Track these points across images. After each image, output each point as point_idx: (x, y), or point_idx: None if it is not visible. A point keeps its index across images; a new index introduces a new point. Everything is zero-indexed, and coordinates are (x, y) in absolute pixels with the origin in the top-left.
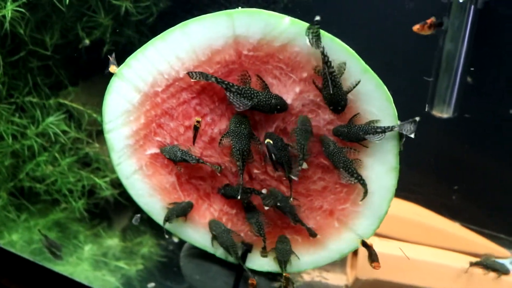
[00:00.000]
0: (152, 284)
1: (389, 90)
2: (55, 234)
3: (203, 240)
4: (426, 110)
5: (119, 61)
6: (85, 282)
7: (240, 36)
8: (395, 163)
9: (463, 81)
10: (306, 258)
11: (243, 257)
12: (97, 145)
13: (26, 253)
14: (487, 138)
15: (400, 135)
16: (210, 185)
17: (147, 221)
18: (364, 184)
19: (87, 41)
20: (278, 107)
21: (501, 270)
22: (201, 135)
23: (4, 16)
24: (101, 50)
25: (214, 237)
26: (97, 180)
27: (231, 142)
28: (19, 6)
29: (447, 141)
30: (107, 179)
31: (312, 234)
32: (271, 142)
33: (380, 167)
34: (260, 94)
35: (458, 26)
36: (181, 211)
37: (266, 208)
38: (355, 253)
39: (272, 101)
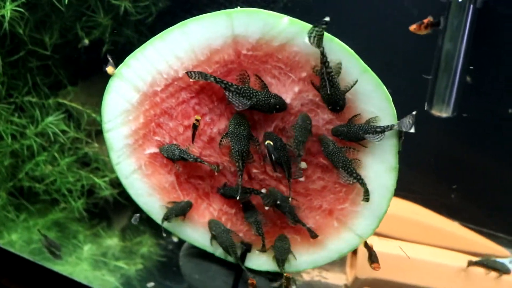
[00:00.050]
0: (152, 284)
1: (388, 89)
2: (54, 234)
3: (203, 240)
4: (425, 109)
5: (119, 61)
6: (85, 282)
7: (239, 36)
8: (395, 162)
9: (462, 80)
10: (306, 258)
11: (242, 257)
12: (96, 144)
13: (26, 253)
14: (487, 138)
15: (399, 135)
16: (210, 185)
17: (147, 220)
18: (363, 184)
19: (86, 41)
20: (277, 106)
21: (501, 270)
22: (200, 135)
23: (3, 16)
24: (101, 50)
25: (214, 237)
26: (96, 180)
27: (230, 143)
28: (18, 6)
29: (446, 141)
30: (107, 178)
31: (312, 235)
32: (271, 143)
33: (380, 167)
34: (259, 93)
35: (457, 26)
36: (180, 211)
37: (266, 208)
38: (354, 252)
39: (271, 100)
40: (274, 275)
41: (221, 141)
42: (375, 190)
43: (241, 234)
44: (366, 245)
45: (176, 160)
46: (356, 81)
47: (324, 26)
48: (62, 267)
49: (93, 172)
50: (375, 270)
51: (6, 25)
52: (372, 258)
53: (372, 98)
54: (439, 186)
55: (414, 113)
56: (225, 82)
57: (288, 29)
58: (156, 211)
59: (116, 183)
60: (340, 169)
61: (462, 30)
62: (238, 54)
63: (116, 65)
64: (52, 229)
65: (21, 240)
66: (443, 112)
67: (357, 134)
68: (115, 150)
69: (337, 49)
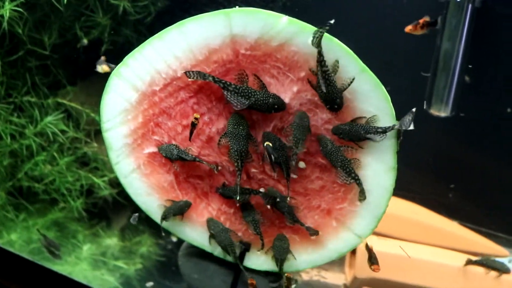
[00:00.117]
0: (151, 283)
1: (387, 88)
2: (53, 234)
3: (201, 239)
4: (424, 108)
5: (118, 60)
6: (84, 282)
7: (237, 36)
8: (393, 162)
9: (461, 80)
10: (304, 257)
11: (241, 256)
12: (95, 144)
13: (25, 253)
14: (485, 137)
15: (398, 135)
16: (208, 184)
17: (146, 220)
18: (360, 184)
19: (85, 41)
20: (276, 106)
21: (501, 269)
22: (199, 134)
23: (2, 16)
24: (99, 50)
25: (212, 236)
26: (95, 179)
27: (229, 143)
28: (17, 5)
29: (444, 140)
30: (106, 178)
31: (312, 232)
32: (270, 144)
33: (378, 167)
34: (258, 93)
35: (455, 25)
36: (178, 210)
37: (269, 206)
38: (353, 252)
39: (270, 100)
40: (273, 274)
41: (219, 140)
42: (374, 190)
43: (240, 234)
44: (366, 247)
45: (174, 160)
46: (353, 79)
47: (327, 27)
48: (61, 267)
49: (92, 171)
50: (374, 271)
51: (5, 25)
52: (372, 260)
53: (370, 97)
54: (437, 186)
55: (413, 110)
56: (223, 81)
57: (287, 29)
58: (155, 210)
59: (115, 183)
60: (339, 168)
61: (461, 29)
62: (237, 54)
63: (115, 64)
64: (51, 229)
65: (21, 239)
66: (441, 111)
67: (358, 133)
68: (114, 149)
69: (336, 49)
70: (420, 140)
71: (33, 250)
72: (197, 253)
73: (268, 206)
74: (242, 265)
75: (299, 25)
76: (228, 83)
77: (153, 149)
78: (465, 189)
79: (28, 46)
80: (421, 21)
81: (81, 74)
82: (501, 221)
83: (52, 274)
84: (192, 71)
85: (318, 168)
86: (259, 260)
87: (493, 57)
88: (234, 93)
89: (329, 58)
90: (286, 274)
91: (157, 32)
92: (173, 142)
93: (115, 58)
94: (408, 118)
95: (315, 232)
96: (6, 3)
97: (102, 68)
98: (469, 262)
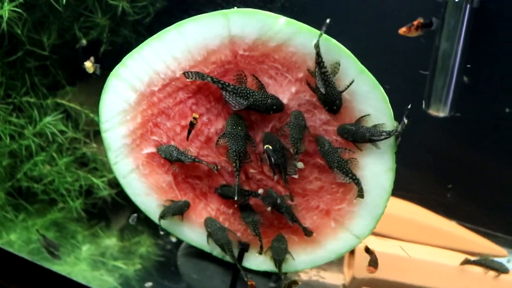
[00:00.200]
0: (150, 284)
1: (385, 88)
2: (53, 234)
3: (200, 239)
4: (423, 108)
5: (116, 61)
6: (83, 282)
7: (235, 36)
8: (392, 163)
9: (459, 80)
10: (303, 258)
11: (240, 257)
12: (94, 145)
13: (24, 253)
14: (484, 137)
15: (396, 136)
16: (207, 185)
17: (145, 220)
18: (358, 183)
19: (84, 41)
20: (274, 107)
21: (500, 270)
22: (197, 135)
23: (1, 16)
24: (98, 50)
25: (209, 235)
26: (94, 180)
27: (228, 143)
28: (16, 6)
29: (443, 140)
30: (105, 179)
31: (307, 233)
32: (270, 147)
33: (377, 167)
34: (256, 93)
35: (453, 25)
36: (177, 210)
37: (269, 209)
38: (352, 252)
39: (268, 101)
40: (271, 274)
41: (218, 141)
42: (372, 191)
43: (239, 234)
44: (367, 250)
45: (174, 161)
46: (353, 81)
47: (325, 28)
48: (60, 267)
49: (91, 172)
50: (369, 272)
51: (4, 25)
52: (371, 262)
53: (369, 98)
54: (435, 186)
55: (408, 107)
56: (222, 82)
57: (285, 30)
58: (154, 210)
59: (114, 183)
60: (335, 169)
61: (459, 29)
62: (235, 55)
63: (114, 65)
64: (50, 229)
65: (20, 240)
66: (440, 111)
67: (363, 136)
68: (112, 150)
69: (334, 50)
70: (418, 140)
71: (32, 250)
72: (196, 253)
73: (268, 209)
74: (240, 264)
75: (297, 26)
76: (227, 83)
77: (151, 149)
78: (463, 189)
79: (27, 47)
80: (415, 22)
81: (80, 75)
82: (500, 221)
83: (51, 275)
84: (191, 72)
85: (316, 168)
86: (257, 261)
87: (491, 57)
88: (232, 94)
89: (327, 59)
90: (292, 279)
91: (156, 33)
92: (172, 143)
93: (114, 58)
94: (405, 118)
95: (310, 233)
96: (5, 3)
97: (87, 67)
98: (466, 261)
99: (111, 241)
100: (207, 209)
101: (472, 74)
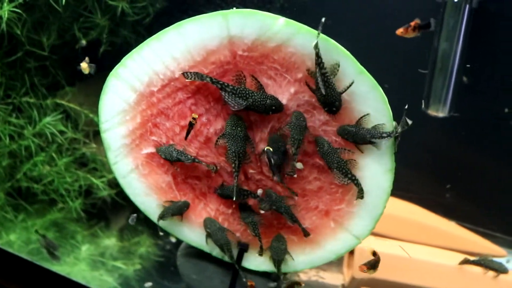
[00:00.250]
0: (150, 284)
1: (384, 86)
2: (52, 234)
3: (200, 240)
4: (423, 107)
5: (116, 61)
6: (83, 282)
7: (235, 37)
8: (391, 164)
9: (459, 80)
10: (302, 258)
11: (239, 257)
12: (94, 145)
13: (24, 253)
14: (483, 137)
15: (395, 136)
16: (206, 185)
17: (144, 221)
18: (358, 184)
19: (83, 42)
20: (273, 107)
21: (499, 270)
22: (196, 135)
23: (1, 17)
24: (98, 51)
25: (209, 235)
26: (94, 180)
27: (227, 144)
28: (15, 6)
29: (442, 140)
30: (104, 179)
31: (305, 233)
32: (271, 149)
33: (376, 168)
34: (255, 94)
35: (453, 26)
36: (177, 210)
37: (262, 212)
38: (351, 252)
39: (267, 101)
40: (271, 275)
41: (217, 141)
42: (372, 191)
43: (238, 234)
44: (374, 254)
45: (173, 162)
46: (352, 82)
47: (321, 28)
48: (60, 267)
49: (91, 172)
50: (360, 270)
51: (4, 26)
52: (370, 265)
53: (368, 99)
54: (435, 186)
55: (406, 107)
56: (221, 82)
57: (284, 30)
58: (153, 211)
59: (114, 184)
60: (335, 169)
61: (458, 30)
62: (234, 55)
63: (114, 65)
64: (50, 229)
65: (20, 240)
66: (439, 112)
67: (363, 137)
68: (112, 150)
69: (333, 50)
70: (417, 140)
71: (32, 250)
72: (196, 253)
73: (262, 212)
74: (240, 265)
75: (296, 27)
76: (226, 84)
77: (151, 149)
78: (463, 189)
79: (26, 47)
80: (412, 23)
81: (79, 75)
82: (499, 221)
83: (51, 275)
84: (190, 72)
85: (316, 169)
86: (257, 261)
87: (490, 57)
88: (231, 94)
89: (326, 60)
90: (294, 280)
91: (155, 33)
92: (171, 143)
93: (114, 59)
94: (404, 118)
95: (307, 234)
96: (5, 4)
97: (83, 68)
98: (465, 261)
99: (110, 241)
100: (206, 209)
101: (471, 74)
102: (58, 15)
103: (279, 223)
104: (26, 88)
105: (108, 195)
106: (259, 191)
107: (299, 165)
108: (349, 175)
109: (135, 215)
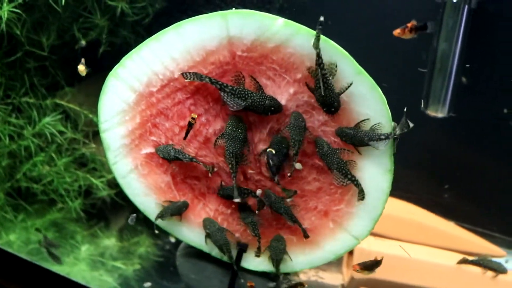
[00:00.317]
0: (149, 284)
1: (382, 87)
2: (52, 234)
3: (199, 240)
4: (422, 107)
5: (115, 61)
6: (83, 282)
7: (234, 37)
8: (390, 165)
9: (458, 80)
10: (302, 258)
11: (238, 257)
12: (93, 145)
13: (24, 253)
14: (482, 138)
15: (394, 137)
16: (205, 185)
17: (144, 221)
18: (358, 185)
19: (83, 42)
20: (272, 108)
21: (498, 270)
22: (196, 135)
23: (0, 17)
24: (97, 51)
25: (208, 235)
26: (93, 180)
27: (225, 144)
28: (15, 7)
29: (440, 140)
30: (104, 179)
31: (305, 235)
32: (273, 151)
33: (375, 169)
34: (254, 94)
35: (452, 26)
36: (176, 210)
37: (257, 212)
38: (350, 252)
39: (266, 102)
40: (270, 275)
41: (216, 141)
42: (371, 192)
43: (237, 235)
44: (376, 259)
45: (171, 160)
46: (351, 83)
47: (320, 27)
48: (60, 268)
49: (91, 172)
50: (352, 268)
51: (3, 26)
52: (365, 266)
53: (366, 100)
54: (434, 186)
55: (405, 109)
56: (220, 83)
57: (283, 31)
58: (153, 211)
59: (113, 184)
60: (335, 170)
61: (457, 30)
62: (233, 56)
63: (113, 65)
64: (50, 230)
65: (19, 240)
66: (438, 112)
67: (362, 139)
68: (111, 149)
69: (332, 51)
70: (416, 141)
71: (31, 250)
72: (195, 253)
73: (257, 212)
74: (239, 265)
75: (295, 27)
76: (225, 84)
77: (150, 149)
78: (462, 189)
79: (26, 47)
80: (409, 24)
81: (79, 75)
82: (498, 221)
83: (51, 275)
84: (189, 72)
85: (315, 169)
86: (256, 261)
87: (490, 57)
88: (230, 95)
89: (326, 60)
90: (298, 281)
91: (154, 34)
92: (171, 143)
93: (113, 59)
94: (404, 119)
95: (307, 235)
96: (4, 4)
97: (80, 70)
98: (464, 260)
99: (110, 241)
100: (205, 209)
101: (470, 75)
102: (58, 16)
103: (278, 223)
104: (25, 88)
105: (108, 195)
106: (258, 192)
107: (298, 166)
108: (349, 176)
109: (134, 215)
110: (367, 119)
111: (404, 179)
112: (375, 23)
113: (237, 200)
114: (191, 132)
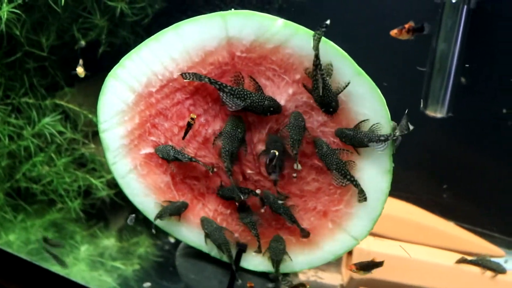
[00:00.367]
0: (148, 284)
1: (382, 86)
2: (51, 235)
3: (198, 240)
4: (421, 106)
5: (115, 62)
6: (82, 282)
7: (233, 38)
8: (389, 165)
9: (457, 81)
10: (301, 259)
11: (238, 257)
12: (93, 145)
13: (23, 253)
14: (481, 138)
15: (394, 139)
16: (205, 185)
17: (143, 221)
18: (357, 185)
19: (82, 42)
20: (271, 108)
21: (497, 270)
22: (195, 136)
23: (0, 18)
24: (97, 51)
25: (207, 235)
26: (93, 180)
27: (222, 142)
28: (15, 7)
29: (441, 140)
30: (103, 179)
31: (303, 234)
32: (277, 153)
33: (374, 169)
34: (253, 95)
35: (451, 26)
36: (175, 210)
37: (262, 210)
38: (350, 252)
39: (265, 102)
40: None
41: (215, 140)
42: (370, 193)
43: (236, 235)
44: (373, 260)
45: (171, 161)
46: (348, 83)
47: (324, 29)
48: (59, 268)
49: (90, 172)
50: (349, 268)
51: (3, 26)
52: (361, 266)
53: (366, 100)
54: (433, 186)
55: (406, 112)
56: (219, 83)
57: (282, 32)
58: (152, 211)
59: (113, 184)
60: (334, 171)
61: (456, 30)
62: (232, 56)
63: (112, 66)
64: (49, 230)
65: (19, 240)
66: (437, 112)
67: (361, 141)
68: (111, 150)
69: (331, 52)
70: (415, 141)
71: (31, 250)
72: (195, 253)
73: (262, 210)
74: (238, 265)
75: (294, 28)
76: (224, 84)
77: (149, 149)
78: (460, 189)
79: (26, 48)
80: (406, 25)
81: (78, 76)
82: (498, 221)
83: (50, 275)
84: (188, 73)
85: (314, 170)
86: (255, 261)
87: (489, 57)
88: (229, 95)
89: (324, 61)
90: (299, 282)
91: (154, 34)
92: (170, 143)
93: (113, 59)
94: (404, 121)
95: (306, 234)
96: (4, 4)
97: (79, 73)
98: (462, 260)
99: (109, 242)
100: (205, 209)
101: (469, 75)
102: (57, 16)
103: (277, 223)
104: (25, 89)
105: (107, 195)
106: (257, 192)
107: (297, 166)
108: (348, 177)
109: (133, 215)
110: (367, 120)
111: (404, 179)
112: (374, 23)
113: (241, 199)
114: (190, 133)
